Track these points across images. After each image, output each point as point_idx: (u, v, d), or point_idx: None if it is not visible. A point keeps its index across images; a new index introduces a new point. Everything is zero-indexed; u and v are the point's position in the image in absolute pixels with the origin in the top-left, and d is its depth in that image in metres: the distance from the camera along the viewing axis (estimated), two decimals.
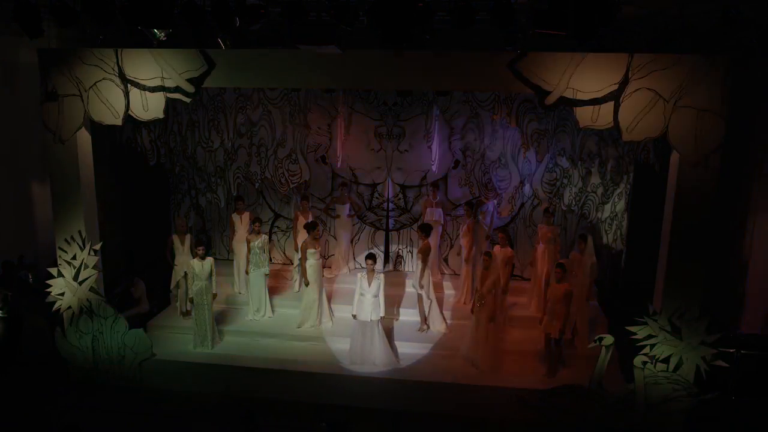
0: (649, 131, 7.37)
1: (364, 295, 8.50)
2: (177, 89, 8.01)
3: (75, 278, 8.54)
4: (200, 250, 9.00)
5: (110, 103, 8.12)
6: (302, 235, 10.31)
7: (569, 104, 7.48)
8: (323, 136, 10.99)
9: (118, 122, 8.26)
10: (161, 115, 8.23)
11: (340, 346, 9.07)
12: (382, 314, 8.59)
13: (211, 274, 9.03)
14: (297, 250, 10.46)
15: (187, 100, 8.13)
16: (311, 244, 9.47)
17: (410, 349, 9.15)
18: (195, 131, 10.22)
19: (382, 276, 8.62)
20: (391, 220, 11.25)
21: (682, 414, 7.80)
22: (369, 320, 8.49)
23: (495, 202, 10.59)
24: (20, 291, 9.50)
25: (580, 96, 7.38)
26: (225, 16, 6.77)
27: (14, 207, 10.58)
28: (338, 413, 7.62)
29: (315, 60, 7.64)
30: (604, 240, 9.94)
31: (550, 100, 7.45)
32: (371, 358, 8.64)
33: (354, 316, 8.62)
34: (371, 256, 8.68)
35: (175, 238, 9.91)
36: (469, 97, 10.23)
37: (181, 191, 11.01)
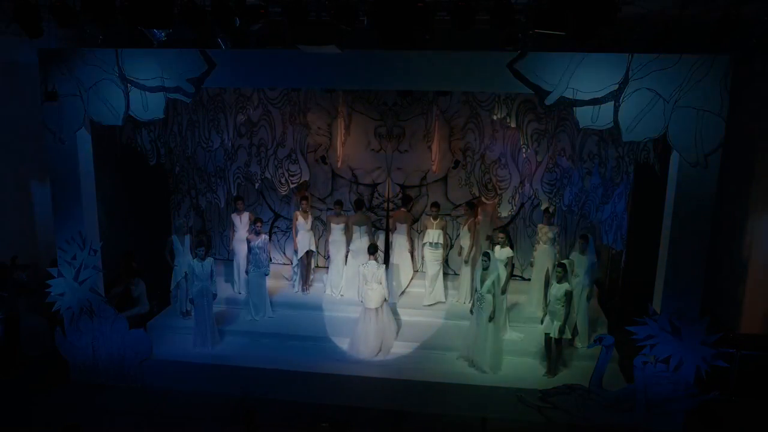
0: (649, 131, 7.38)
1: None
2: (177, 89, 8.01)
3: (75, 278, 8.54)
4: (200, 251, 9.01)
5: (110, 103, 8.13)
6: (302, 236, 10.33)
7: (569, 104, 7.49)
8: (323, 136, 11.00)
9: (118, 122, 8.27)
10: (161, 115, 8.23)
11: (340, 346, 9.07)
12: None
13: (211, 275, 9.03)
14: (296, 250, 10.47)
15: (187, 100, 8.14)
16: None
17: (410, 348, 9.15)
18: (195, 131, 10.19)
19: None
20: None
21: (682, 414, 7.81)
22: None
23: (495, 202, 10.57)
24: (15, 291, 9.50)
25: (580, 96, 7.39)
26: (225, 16, 6.76)
27: (14, 207, 10.56)
28: (338, 413, 7.62)
29: (315, 60, 7.63)
30: (604, 240, 9.94)
31: (550, 100, 7.46)
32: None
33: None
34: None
35: (175, 239, 9.92)
36: (469, 97, 10.21)
37: (181, 191, 11.00)
